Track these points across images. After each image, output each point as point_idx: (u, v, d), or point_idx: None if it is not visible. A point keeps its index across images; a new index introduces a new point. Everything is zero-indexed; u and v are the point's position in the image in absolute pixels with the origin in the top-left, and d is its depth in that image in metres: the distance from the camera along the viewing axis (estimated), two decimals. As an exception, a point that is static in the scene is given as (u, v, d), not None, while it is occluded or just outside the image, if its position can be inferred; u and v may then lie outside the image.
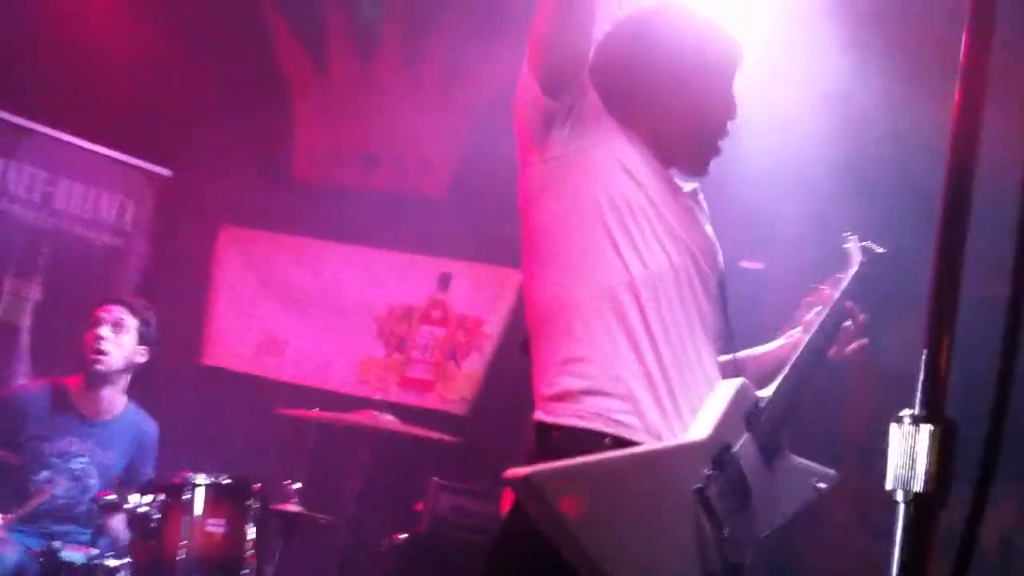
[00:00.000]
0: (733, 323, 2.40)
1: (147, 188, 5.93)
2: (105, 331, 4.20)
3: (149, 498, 3.68)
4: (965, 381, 1.23)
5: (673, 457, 2.09)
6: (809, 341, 2.42)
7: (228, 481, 3.86)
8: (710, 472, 2.08)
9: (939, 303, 0.93)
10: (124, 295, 4.65)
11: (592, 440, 2.09)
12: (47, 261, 5.59)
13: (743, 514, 2.13)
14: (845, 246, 2.69)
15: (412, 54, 5.78)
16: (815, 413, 3.03)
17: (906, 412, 0.95)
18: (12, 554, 3.80)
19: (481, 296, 5.45)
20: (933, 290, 0.93)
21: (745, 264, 4.31)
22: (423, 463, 4.70)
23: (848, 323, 2.47)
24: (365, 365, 5.57)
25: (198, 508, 3.74)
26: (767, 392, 2.30)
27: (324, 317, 5.68)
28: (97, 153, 5.75)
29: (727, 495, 2.10)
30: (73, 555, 3.70)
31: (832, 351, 2.46)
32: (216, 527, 3.78)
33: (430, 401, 5.39)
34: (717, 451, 2.12)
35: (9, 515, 3.88)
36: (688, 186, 2.40)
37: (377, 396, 4.49)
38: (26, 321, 5.51)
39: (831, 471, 2.40)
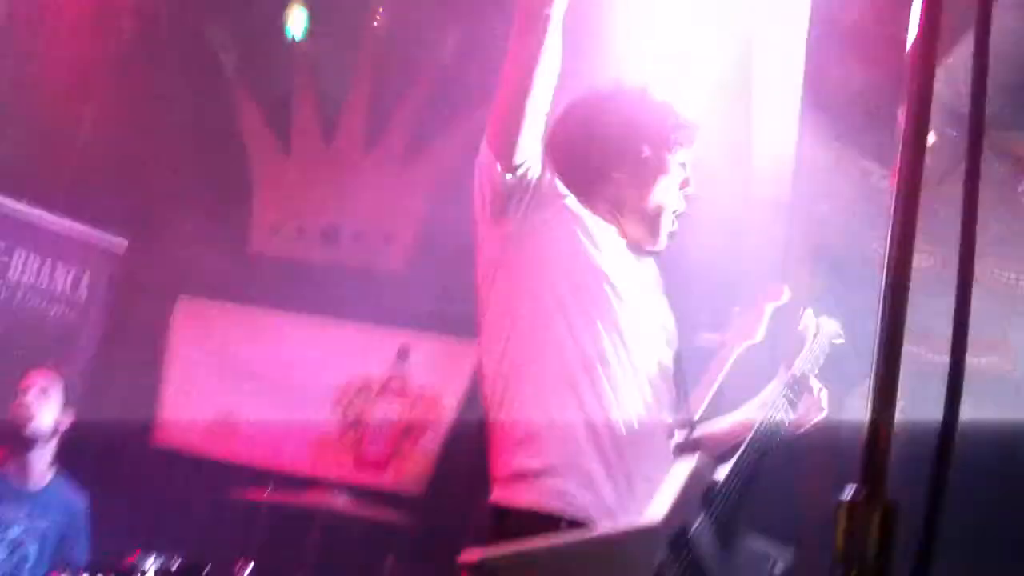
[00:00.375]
0: (690, 399, 2.39)
1: (103, 259, 5.88)
2: (31, 397, 4.21)
3: (99, 581, 3.61)
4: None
5: (628, 541, 2.06)
6: (766, 416, 2.40)
7: (178, 564, 3.80)
8: (665, 556, 2.05)
9: (880, 385, 0.92)
10: (51, 360, 4.63)
11: (547, 522, 2.07)
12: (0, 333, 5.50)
13: (700, 598, 2.09)
14: (802, 320, 2.69)
15: (376, 130, 5.82)
16: (775, 490, 3.01)
17: (847, 492, 0.94)
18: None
19: (440, 369, 5.41)
20: (875, 369, 0.93)
21: (705, 337, 4.30)
22: (378, 545, 4.62)
23: (806, 396, 2.47)
24: (319, 444, 5.49)
25: (148, 592, 3.67)
26: (724, 470, 2.28)
27: (279, 393, 5.60)
28: (53, 223, 5.70)
29: (684, 579, 2.06)
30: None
31: (790, 427, 2.45)
32: (167, 611, 3.71)
33: (385, 480, 5.30)
34: (673, 534, 2.09)
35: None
36: (645, 260, 2.41)
37: (331, 476, 4.42)
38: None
39: (789, 550, 2.36)
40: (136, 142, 5.71)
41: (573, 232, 2.25)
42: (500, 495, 2.15)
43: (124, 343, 5.76)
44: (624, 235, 2.34)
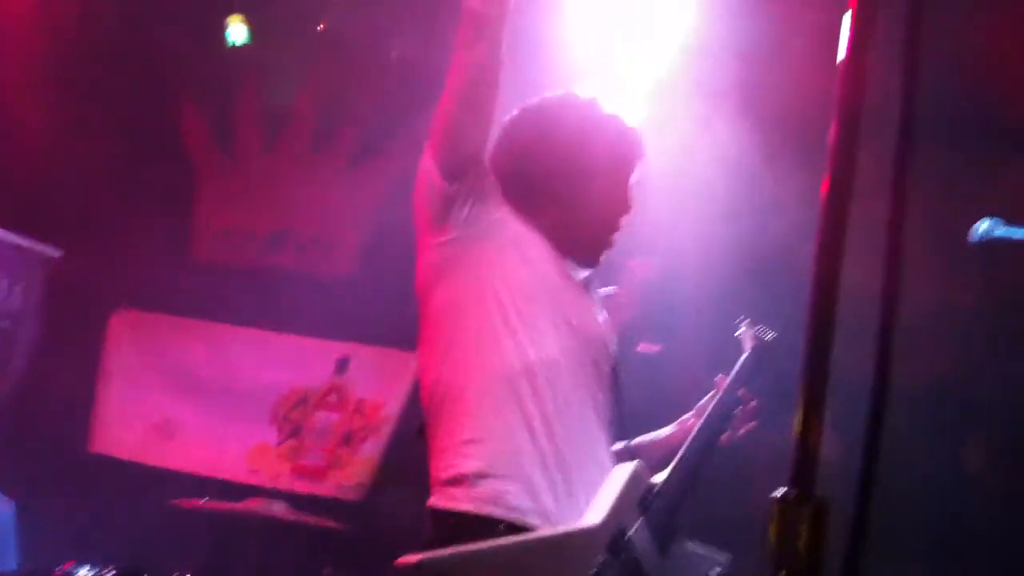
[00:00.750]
0: (628, 407, 2.42)
1: (37, 269, 5.78)
2: None
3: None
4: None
5: (567, 543, 2.08)
6: (701, 426, 2.45)
7: (113, 573, 3.74)
8: (604, 558, 2.07)
9: (810, 384, 0.95)
10: None
11: (486, 526, 2.08)
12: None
13: (637, 600, 2.12)
14: (738, 331, 2.73)
15: (321, 138, 5.80)
16: (719, 496, 3.05)
17: (778, 492, 0.96)
18: None
19: (380, 379, 5.40)
20: (804, 374, 0.95)
21: (642, 348, 4.35)
22: (317, 552, 4.59)
23: (739, 408, 2.50)
24: (257, 452, 5.44)
25: (80, 602, 3.62)
26: (661, 477, 2.31)
27: (217, 403, 5.55)
28: (-16, 232, 5.59)
29: (621, 582, 2.09)
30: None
31: (725, 436, 2.49)
32: (101, 620, 3.66)
33: (324, 489, 5.28)
34: (611, 537, 2.11)
35: None
36: (582, 273, 2.43)
37: (269, 484, 4.40)
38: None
39: (725, 555, 2.40)
40: (74, 148, 5.62)
41: (513, 241, 2.26)
42: (438, 499, 2.16)
43: (59, 352, 5.67)
44: (562, 249, 2.34)
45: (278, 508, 4.09)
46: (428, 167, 2.24)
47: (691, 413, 2.55)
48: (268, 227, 5.84)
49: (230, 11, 5.34)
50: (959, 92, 3.76)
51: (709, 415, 2.47)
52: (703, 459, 2.40)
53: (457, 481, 2.13)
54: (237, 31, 5.34)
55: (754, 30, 4.11)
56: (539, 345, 2.19)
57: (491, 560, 1.97)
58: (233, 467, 5.39)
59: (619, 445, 2.38)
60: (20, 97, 5.58)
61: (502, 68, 2.20)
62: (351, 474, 5.27)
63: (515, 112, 2.43)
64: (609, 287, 2.58)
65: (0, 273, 5.66)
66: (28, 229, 5.71)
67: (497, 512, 2.09)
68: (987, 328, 4.07)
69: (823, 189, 1.00)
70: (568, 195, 2.36)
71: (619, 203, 2.41)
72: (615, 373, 2.37)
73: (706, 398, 2.54)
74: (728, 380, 2.54)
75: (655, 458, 2.40)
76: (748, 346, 2.66)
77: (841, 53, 1.05)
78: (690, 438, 2.42)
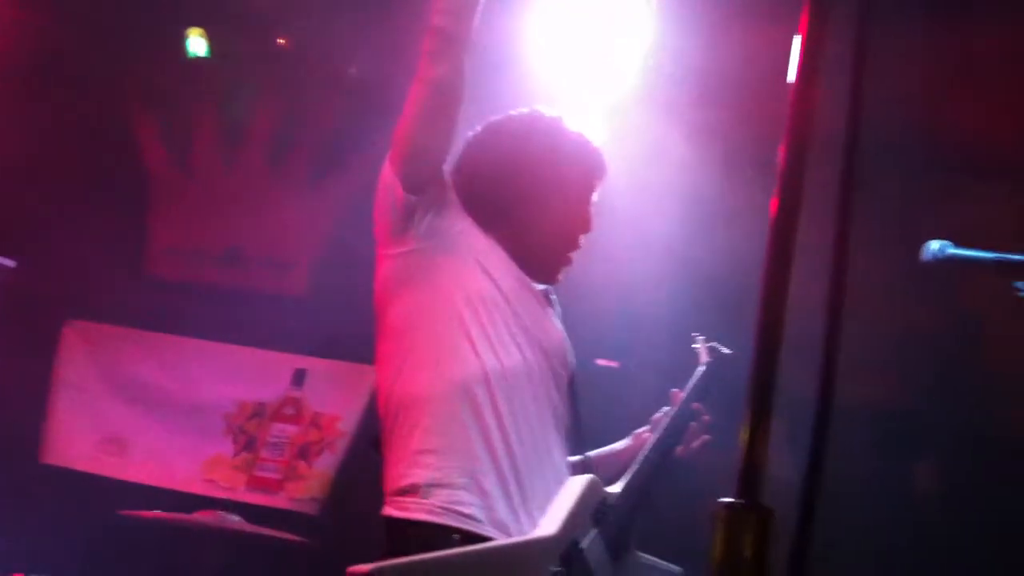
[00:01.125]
0: (585, 420, 2.44)
1: (-10, 279, 5.70)
2: None
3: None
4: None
5: (520, 553, 2.09)
6: (656, 440, 2.47)
7: (63, 586, 3.69)
8: (557, 569, 2.09)
9: (756, 396, 0.97)
10: None
11: (440, 535, 2.09)
12: None
13: (591, 611, 2.14)
14: (694, 346, 2.77)
15: (278, 154, 5.78)
16: (672, 508, 3.08)
17: (724, 500, 0.98)
18: None
19: (336, 393, 5.38)
20: (750, 386, 0.98)
21: (600, 362, 4.38)
22: (271, 564, 4.57)
23: (694, 421, 2.53)
24: (212, 464, 5.40)
25: (29, 615, 3.57)
26: (615, 489, 2.33)
27: (172, 414, 5.50)
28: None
29: (575, 592, 2.10)
30: None
31: (679, 449, 2.52)
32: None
33: (279, 501, 5.24)
34: (565, 548, 2.13)
35: None
36: (541, 285, 2.45)
37: (224, 495, 4.36)
38: None
39: (677, 568, 2.43)
40: (28, 159, 5.56)
41: (473, 253, 2.28)
42: (392, 509, 2.17)
43: (11, 363, 5.59)
44: (521, 265, 2.36)
45: (233, 520, 4.06)
46: (389, 178, 2.25)
47: (646, 427, 2.58)
48: (223, 243, 5.81)
49: (189, 24, 5.33)
50: (908, 121, 3.85)
51: (664, 429, 2.49)
52: (657, 472, 2.43)
53: (410, 491, 2.14)
54: (196, 44, 5.32)
55: (710, 48, 4.17)
56: (497, 354, 2.21)
57: (444, 570, 1.98)
58: (187, 479, 5.34)
59: (575, 458, 2.40)
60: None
61: (465, 83, 2.22)
62: (306, 487, 5.25)
63: (479, 128, 2.45)
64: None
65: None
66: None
67: (451, 522, 2.10)
68: (936, 347, 4.14)
69: (771, 208, 1.03)
70: (529, 212, 2.37)
71: (579, 221, 2.43)
72: (572, 385, 2.40)
73: (661, 412, 2.56)
74: (683, 394, 2.57)
75: (610, 470, 2.42)
76: (703, 361, 2.70)
77: (791, 75, 1.08)
78: (644, 451, 2.44)
